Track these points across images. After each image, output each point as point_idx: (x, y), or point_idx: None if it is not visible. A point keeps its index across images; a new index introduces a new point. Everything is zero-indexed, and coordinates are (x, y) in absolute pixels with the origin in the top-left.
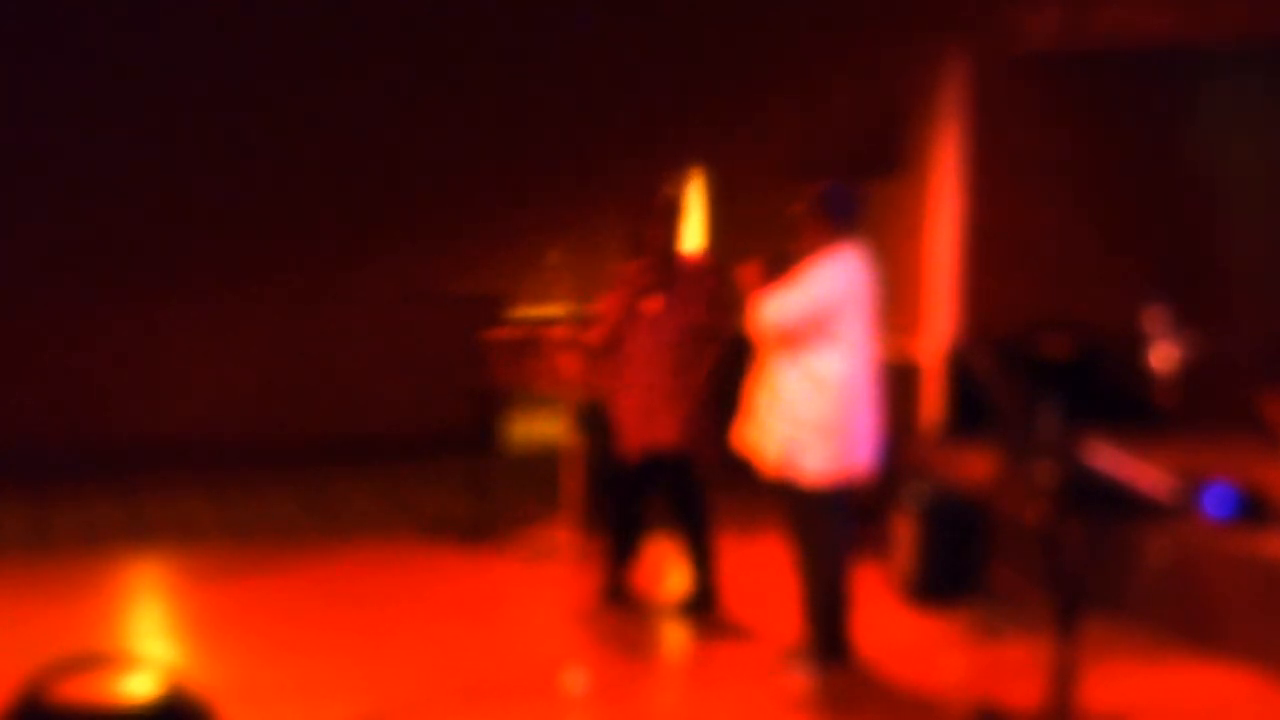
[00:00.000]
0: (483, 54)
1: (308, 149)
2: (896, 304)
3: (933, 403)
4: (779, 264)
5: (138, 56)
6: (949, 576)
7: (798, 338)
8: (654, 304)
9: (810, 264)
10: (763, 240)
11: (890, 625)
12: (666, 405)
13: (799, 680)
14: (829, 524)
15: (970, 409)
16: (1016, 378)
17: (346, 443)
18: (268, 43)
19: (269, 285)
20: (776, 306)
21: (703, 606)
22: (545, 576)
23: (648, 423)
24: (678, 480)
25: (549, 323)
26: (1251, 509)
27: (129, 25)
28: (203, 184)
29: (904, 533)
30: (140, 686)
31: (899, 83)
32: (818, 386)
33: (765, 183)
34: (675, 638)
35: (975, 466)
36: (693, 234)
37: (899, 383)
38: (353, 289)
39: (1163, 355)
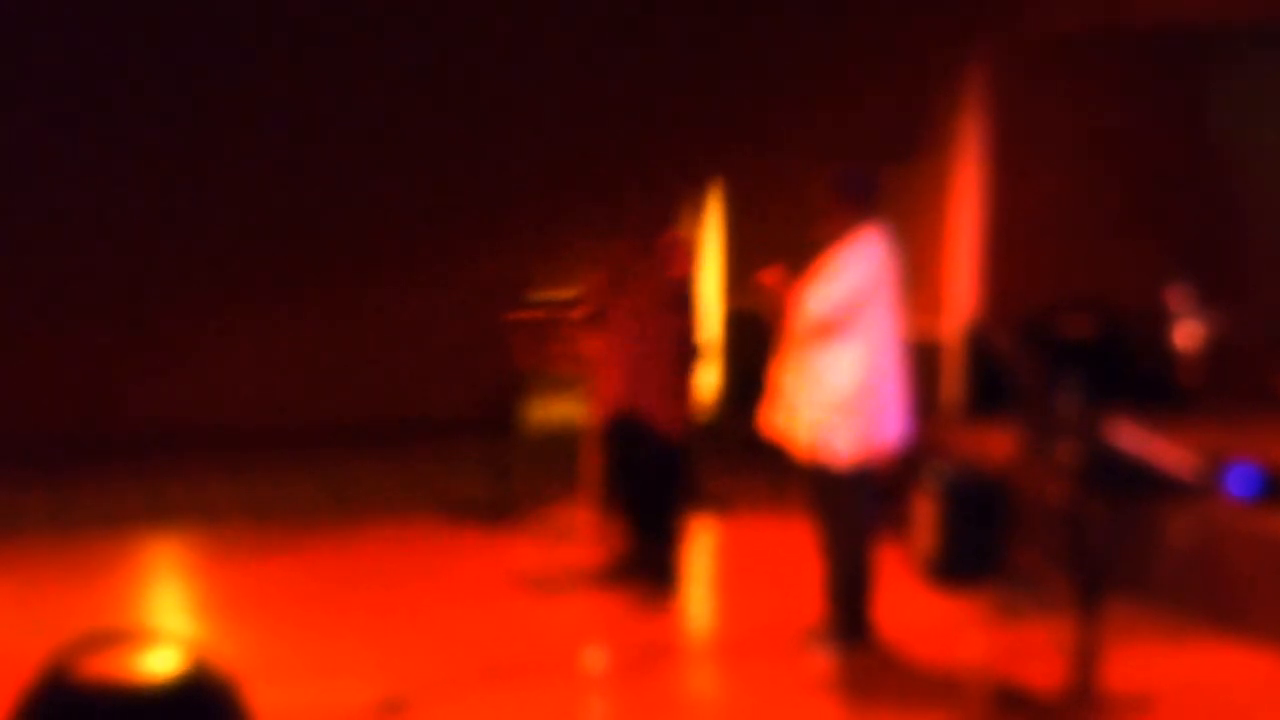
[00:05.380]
0: (510, 56)
1: (337, 146)
2: (919, 284)
3: (954, 382)
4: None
5: (178, 68)
6: (970, 557)
7: (836, 327)
8: (627, 282)
9: (836, 251)
10: (783, 237)
11: (911, 605)
12: (624, 375)
13: (821, 660)
14: (856, 505)
15: (992, 388)
16: (1038, 357)
17: (367, 424)
18: (306, 48)
19: (291, 273)
20: (816, 301)
21: (664, 578)
22: (565, 557)
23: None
24: (644, 451)
25: (568, 305)
26: (1275, 489)
27: (182, 38)
28: (222, 177)
29: (925, 513)
30: (166, 662)
31: (922, 67)
32: (845, 367)
33: (789, 175)
34: (696, 618)
35: (997, 446)
36: (708, 229)
37: (921, 362)
38: (374, 275)
39: (1186, 334)
